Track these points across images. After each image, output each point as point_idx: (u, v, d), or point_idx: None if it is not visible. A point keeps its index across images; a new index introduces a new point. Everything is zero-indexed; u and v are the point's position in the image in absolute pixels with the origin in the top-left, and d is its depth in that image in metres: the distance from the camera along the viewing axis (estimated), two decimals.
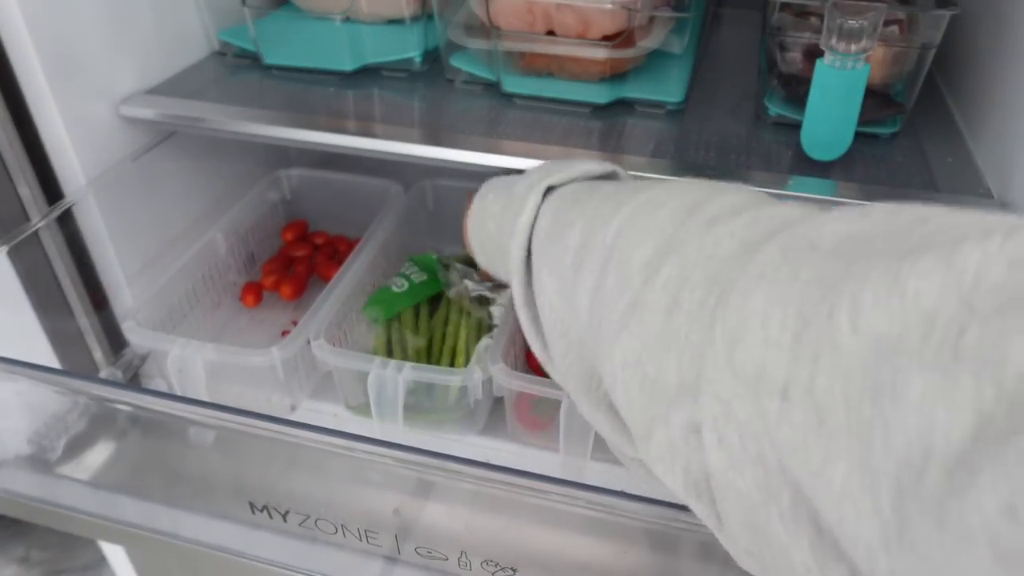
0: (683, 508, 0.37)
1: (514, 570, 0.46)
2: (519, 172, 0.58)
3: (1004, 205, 0.51)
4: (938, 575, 0.17)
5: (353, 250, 0.71)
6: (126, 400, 0.46)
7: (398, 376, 0.57)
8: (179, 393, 0.59)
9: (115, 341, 0.67)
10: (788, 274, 0.25)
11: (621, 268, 0.33)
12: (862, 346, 0.20)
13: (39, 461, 0.59)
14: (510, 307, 0.63)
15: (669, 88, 0.64)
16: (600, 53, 0.61)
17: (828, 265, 0.24)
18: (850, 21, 0.49)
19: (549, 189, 0.43)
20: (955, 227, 0.22)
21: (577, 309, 0.36)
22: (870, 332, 0.20)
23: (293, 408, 0.65)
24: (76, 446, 0.60)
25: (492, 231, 0.47)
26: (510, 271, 0.42)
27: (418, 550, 0.47)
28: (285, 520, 0.48)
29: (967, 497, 0.16)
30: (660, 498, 0.39)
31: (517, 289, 0.42)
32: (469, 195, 0.52)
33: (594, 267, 0.35)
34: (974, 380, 0.17)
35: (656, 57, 0.67)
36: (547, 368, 0.42)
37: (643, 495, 0.39)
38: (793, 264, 0.25)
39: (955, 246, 0.20)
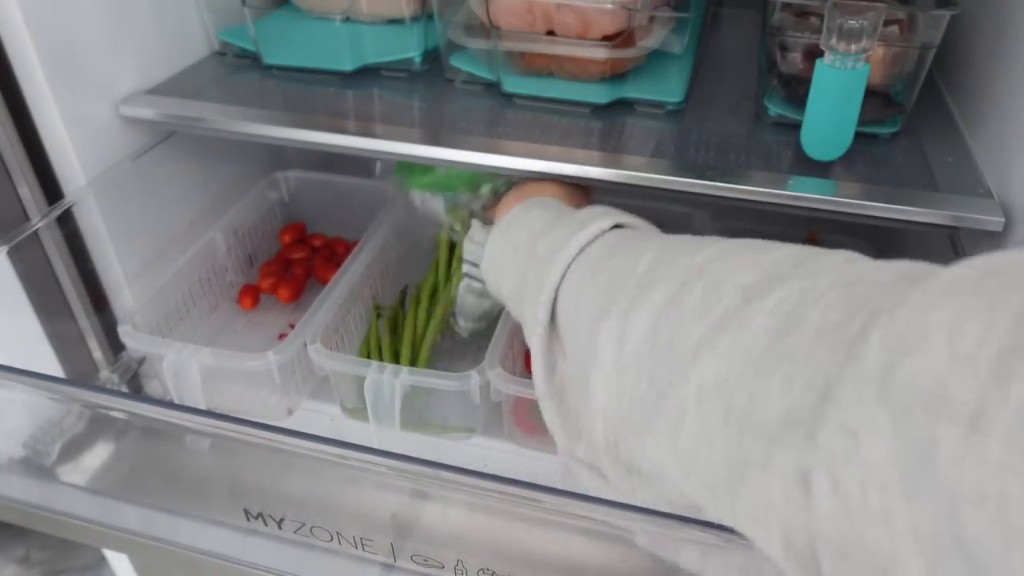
0: (681, 518, 0.37)
1: None
2: (519, 174, 0.58)
3: (1004, 204, 0.51)
4: None
5: (351, 253, 0.70)
6: (120, 407, 0.46)
7: (395, 381, 0.56)
8: (175, 397, 0.59)
9: (115, 342, 0.67)
10: (998, 284, 0.20)
11: (710, 289, 0.30)
12: None
13: (34, 465, 0.59)
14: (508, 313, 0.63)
15: (669, 88, 0.64)
16: (600, 53, 0.61)
17: None
18: (850, 21, 0.49)
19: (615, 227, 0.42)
20: None
21: (625, 334, 0.33)
22: None
23: (290, 412, 0.65)
24: (71, 450, 0.60)
25: (519, 242, 0.46)
26: (541, 285, 0.41)
27: (414, 558, 0.47)
28: (280, 527, 0.48)
29: None
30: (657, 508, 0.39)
31: (543, 307, 0.40)
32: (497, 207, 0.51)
33: (667, 288, 0.32)
34: None
35: (656, 57, 0.67)
36: (545, 395, 0.41)
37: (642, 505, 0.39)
38: (1004, 277, 0.21)
39: None
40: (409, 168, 0.65)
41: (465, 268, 0.62)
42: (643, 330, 0.32)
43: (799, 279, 0.27)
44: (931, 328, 0.21)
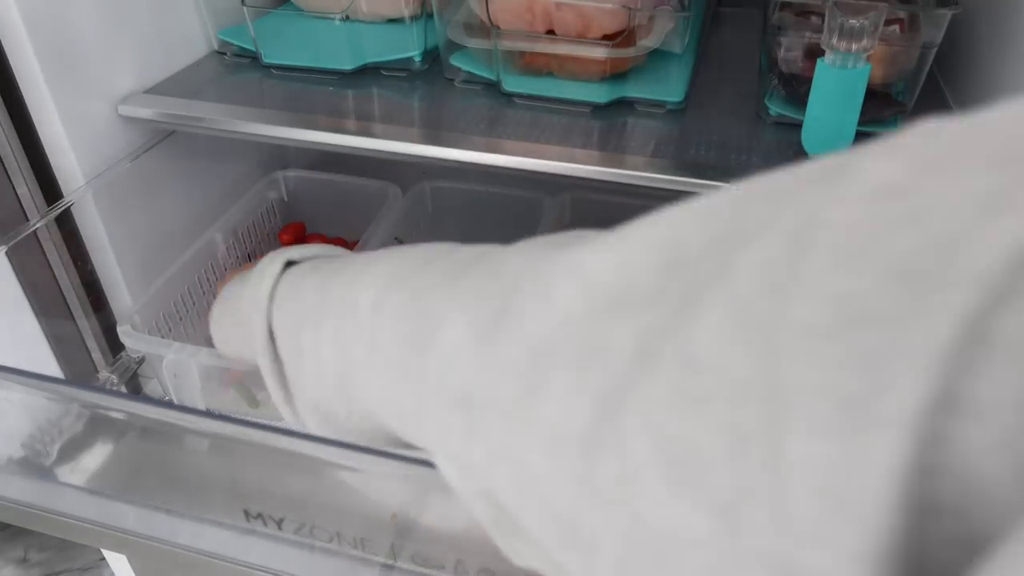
0: None
1: None
2: (519, 173, 0.57)
3: None
4: None
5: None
6: (119, 408, 0.46)
7: None
8: (174, 397, 0.59)
9: (114, 342, 0.67)
10: None
11: None
12: None
13: (33, 465, 0.59)
14: None
15: (669, 87, 0.64)
16: (600, 52, 0.61)
17: None
18: (851, 20, 0.49)
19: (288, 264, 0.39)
20: None
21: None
22: None
23: None
24: (70, 450, 0.59)
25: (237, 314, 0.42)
26: (254, 348, 0.38)
27: (415, 558, 0.47)
28: (280, 527, 0.48)
29: None
30: None
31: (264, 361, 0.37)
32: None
33: None
34: None
35: (656, 56, 0.67)
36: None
37: None
38: None
39: None
40: None
41: None
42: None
43: None
44: None
